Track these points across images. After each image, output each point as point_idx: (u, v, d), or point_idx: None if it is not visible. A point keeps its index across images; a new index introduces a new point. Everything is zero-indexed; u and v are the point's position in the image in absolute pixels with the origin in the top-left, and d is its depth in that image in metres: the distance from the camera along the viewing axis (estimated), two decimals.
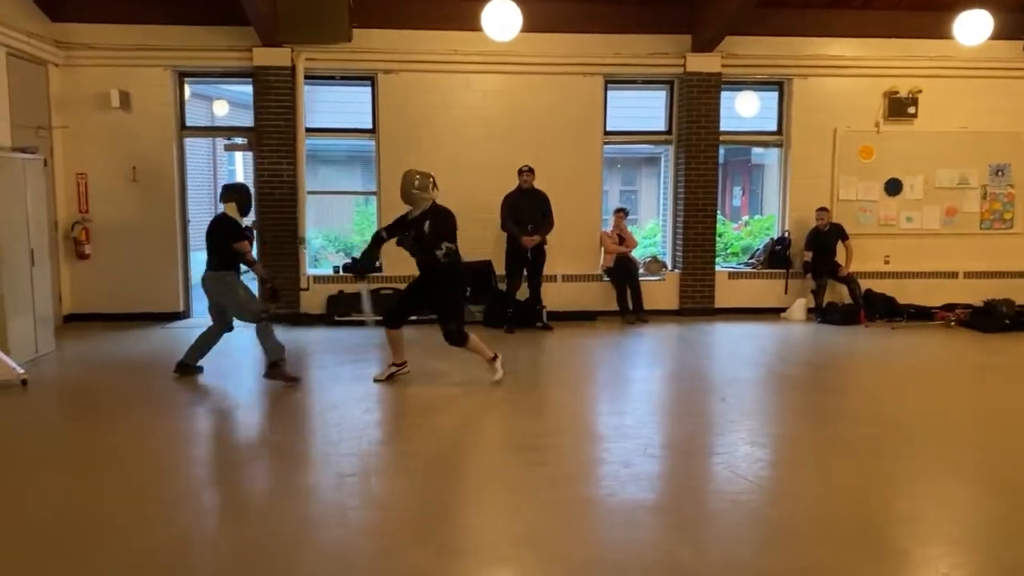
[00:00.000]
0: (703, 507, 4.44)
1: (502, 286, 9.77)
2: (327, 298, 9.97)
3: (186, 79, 10.06)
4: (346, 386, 6.91)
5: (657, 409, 6.17)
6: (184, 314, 10.05)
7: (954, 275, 10.77)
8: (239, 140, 10.50)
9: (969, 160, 10.68)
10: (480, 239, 9.81)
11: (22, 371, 6.81)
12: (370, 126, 10.16)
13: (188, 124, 10.21)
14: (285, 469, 5.03)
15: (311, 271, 10.28)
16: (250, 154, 10.32)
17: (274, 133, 9.73)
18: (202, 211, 14.40)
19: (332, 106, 11.38)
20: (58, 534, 3.95)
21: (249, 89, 10.03)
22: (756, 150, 14.77)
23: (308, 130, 9.94)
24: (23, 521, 4.16)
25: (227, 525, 4.13)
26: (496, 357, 6.93)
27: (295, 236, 9.87)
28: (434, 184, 6.72)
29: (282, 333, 8.31)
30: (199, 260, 13.00)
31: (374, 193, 10.33)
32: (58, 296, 9.29)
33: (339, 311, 9.87)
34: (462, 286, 7.15)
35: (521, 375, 7.45)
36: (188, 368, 7.17)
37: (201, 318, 10.08)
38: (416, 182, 6.65)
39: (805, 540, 3.94)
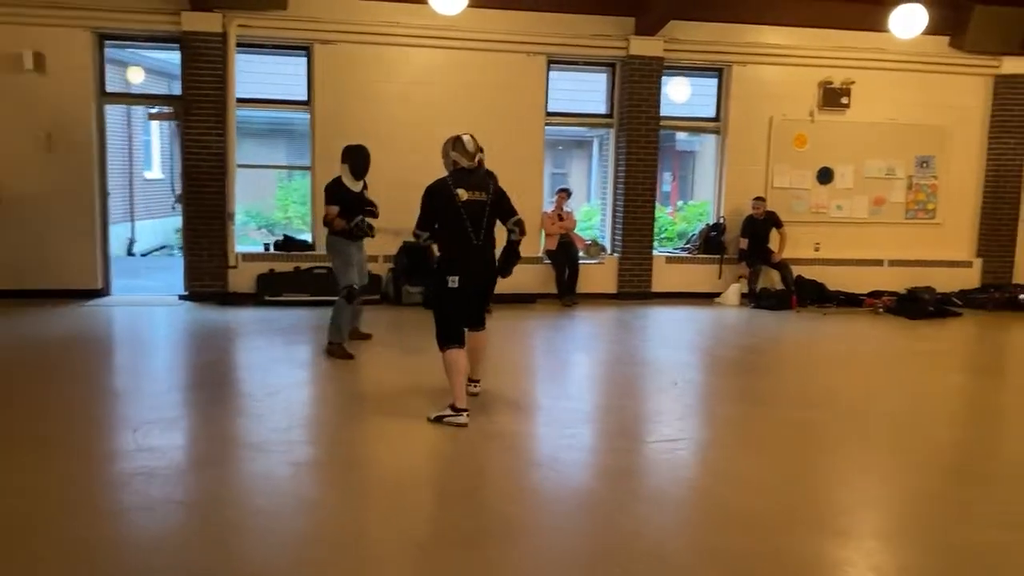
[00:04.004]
0: (651, 491, 4.39)
1: None
2: (256, 277, 9.58)
3: (107, 42, 9.45)
4: (286, 370, 6.64)
5: (598, 392, 6.10)
6: (103, 291, 9.47)
7: (880, 263, 11.07)
8: (165, 109, 9.94)
9: (897, 151, 10.98)
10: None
11: None
12: (305, 98, 9.77)
13: (108, 91, 9.63)
14: (233, 457, 4.75)
15: (240, 248, 9.85)
16: (169, 124, 9.83)
17: (203, 103, 9.24)
18: (117, 182, 13.68)
19: (262, 76, 10.88)
20: None
21: (168, 57, 9.49)
22: (682, 136, 14.90)
23: (239, 101, 9.48)
24: None
25: (172, 514, 3.86)
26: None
27: (222, 211, 9.42)
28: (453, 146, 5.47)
29: (209, 313, 7.98)
30: (117, 234, 12.42)
31: (308, 168, 9.95)
32: None
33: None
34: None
35: None
36: (358, 334, 7.43)
37: (121, 295, 9.58)
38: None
39: (760, 525, 3.90)
